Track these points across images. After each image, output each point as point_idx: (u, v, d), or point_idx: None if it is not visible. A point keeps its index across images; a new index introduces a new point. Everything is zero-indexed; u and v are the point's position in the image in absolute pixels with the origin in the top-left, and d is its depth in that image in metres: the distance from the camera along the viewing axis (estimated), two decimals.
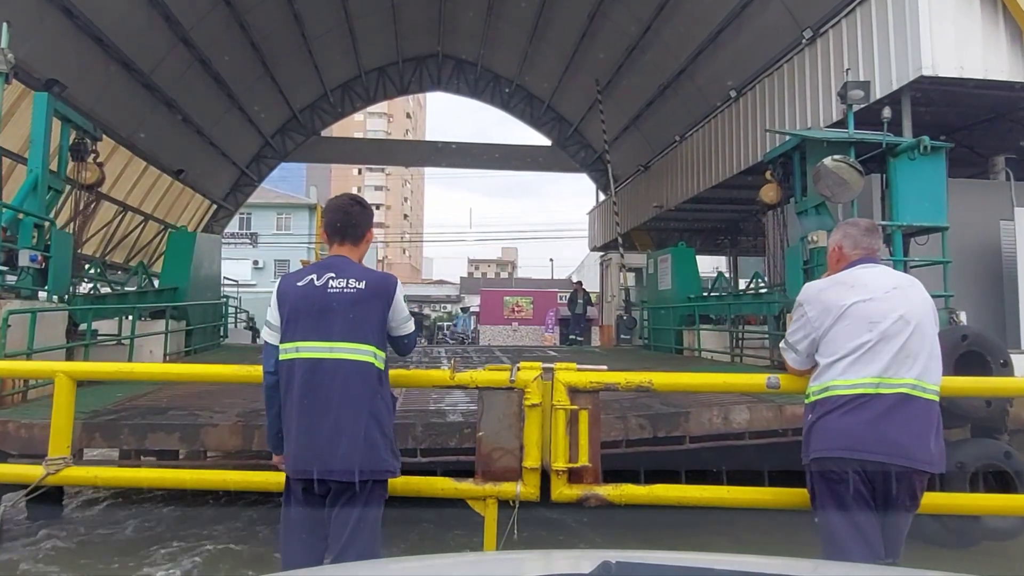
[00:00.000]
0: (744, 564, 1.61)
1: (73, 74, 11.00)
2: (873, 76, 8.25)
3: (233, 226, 40.69)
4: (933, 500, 3.20)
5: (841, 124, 8.52)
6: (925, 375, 2.66)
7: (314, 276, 2.71)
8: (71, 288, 7.81)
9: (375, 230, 3.32)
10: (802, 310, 2.85)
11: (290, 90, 18.63)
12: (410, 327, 2.93)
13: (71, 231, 8.58)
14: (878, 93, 8.15)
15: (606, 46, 16.14)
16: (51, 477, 3.49)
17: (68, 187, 8.39)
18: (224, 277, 17.53)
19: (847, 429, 2.61)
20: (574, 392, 3.33)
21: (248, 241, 41.82)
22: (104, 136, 12.63)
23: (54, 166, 7.71)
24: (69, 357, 7.08)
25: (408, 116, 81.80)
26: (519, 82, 21.03)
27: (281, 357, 2.70)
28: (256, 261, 41.55)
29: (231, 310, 15.31)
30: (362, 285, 2.69)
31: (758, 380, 3.33)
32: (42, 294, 6.96)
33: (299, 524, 2.71)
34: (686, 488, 3.71)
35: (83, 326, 7.34)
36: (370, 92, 21.11)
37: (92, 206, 13.18)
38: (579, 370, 3.39)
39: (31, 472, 3.62)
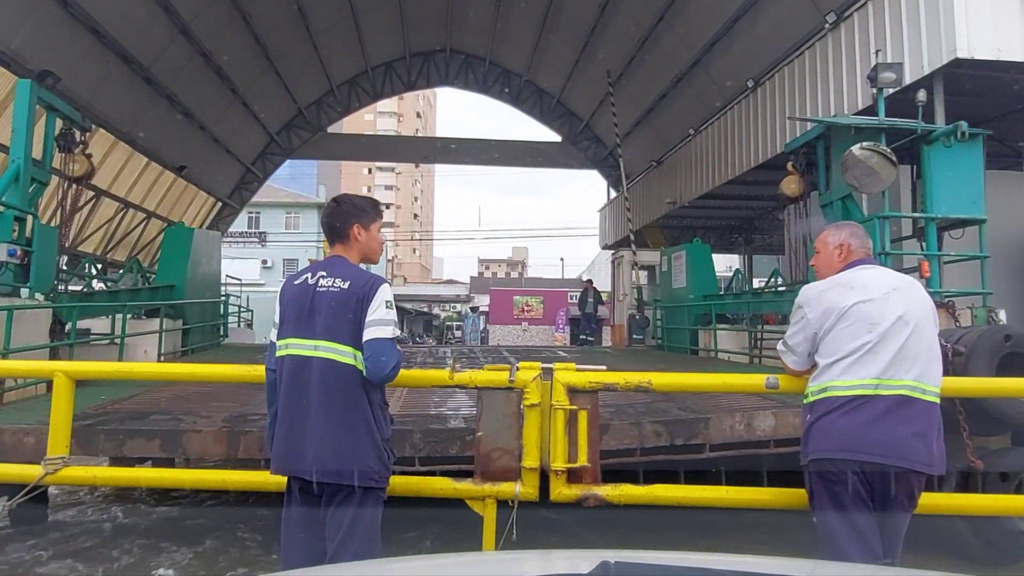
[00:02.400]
0: (743, 564, 1.60)
1: (69, 66, 10.68)
2: (903, 61, 7.75)
3: (242, 225, 40.65)
4: (935, 500, 3.11)
5: (866, 113, 8.06)
6: (924, 376, 2.65)
7: (309, 275, 2.76)
8: (56, 285, 7.46)
9: (385, 230, 3.08)
10: (801, 312, 2.83)
11: (295, 86, 18.30)
12: (380, 332, 2.64)
13: (69, 227, 8.29)
14: (908, 79, 7.65)
15: (617, 38, 15.71)
16: (50, 477, 3.46)
17: (68, 182, 8.07)
18: (227, 275, 17.26)
19: (846, 430, 2.60)
20: (573, 392, 3.32)
21: (257, 240, 41.67)
22: (102, 130, 12.40)
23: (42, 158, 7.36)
24: (53, 356, 6.76)
25: (418, 116, 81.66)
26: (528, 77, 20.63)
27: (276, 354, 2.77)
28: (265, 260, 41.45)
29: (233, 309, 14.97)
30: (346, 285, 2.68)
31: (757, 380, 3.29)
32: (24, 291, 6.62)
33: (297, 524, 2.74)
34: (685, 488, 3.70)
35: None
36: (377, 88, 20.76)
37: (91, 202, 12.98)
38: (578, 370, 3.37)
39: (29, 472, 3.55)
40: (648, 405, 5.93)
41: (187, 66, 13.80)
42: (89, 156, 8.09)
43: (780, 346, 3.01)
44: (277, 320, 2.79)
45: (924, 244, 7.09)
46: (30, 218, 6.72)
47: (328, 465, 2.60)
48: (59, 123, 7.68)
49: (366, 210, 2.83)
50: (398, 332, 2.75)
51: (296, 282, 2.77)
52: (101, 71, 11.72)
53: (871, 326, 2.65)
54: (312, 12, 15.46)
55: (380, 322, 2.64)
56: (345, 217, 2.80)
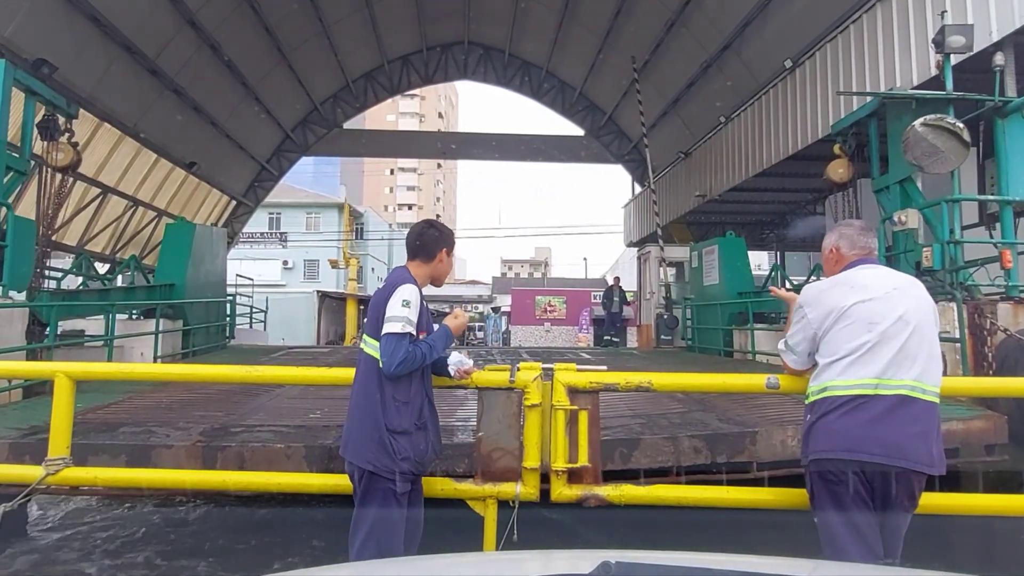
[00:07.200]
0: (744, 564, 1.60)
1: (68, 56, 10.24)
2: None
3: (263, 225, 40.49)
4: (935, 500, 3.02)
5: (922, 88, 7.22)
6: (924, 376, 2.63)
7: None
8: (40, 282, 6.93)
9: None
10: (802, 312, 2.82)
11: (309, 80, 17.80)
12: (389, 327, 2.84)
13: (54, 220, 7.76)
14: (972, 47, 6.80)
15: (642, 23, 14.94)
16: (50, 478, 3.45)
17: (69, 176, 7.52)
18: (237, 275, 16.78)
19: (846, 430, 2.59)
20: (574, 392, 3.33)
21: (277, 241, 41.44)
22: (107, 124, 11.95)
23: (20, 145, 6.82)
24: (31, 358, 6.22)
25: (440, 116, 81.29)
26: (549, 69, 19.91)
27: None
28: (286, 261, 41.18)
29: (243, 309, 14.47)
30: (381, 286, 3.04)
31: (758, 380, 3.27)
32: None
33: None
34: (686, 488, 3.70)
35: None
36: (394, 82, 20.18)
37: (98, 200, 12.54)
38: (579, 370, 3.40)
39: (29, 474, 3.50)
40: (683, 416, 5.24)
41: (195, 59, 13.30)
42: (75, 145, 7.53)
43: (780, 345, 3.01)
44: None
45: (994, 231, 6.27)
46: (5, 210, 6.17)
47: (350, 451, 2.96)
48: (40, 108, 7.13)
49: (451, 240, 3.18)
50: (410, 328, 2.84)
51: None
52: (103, 62, 11.24)
53: (871, 326, 2.64)
54: (325, 2, 14.92)
55: (391, 318, 2.85)
56: (437, 241, 3.12)
